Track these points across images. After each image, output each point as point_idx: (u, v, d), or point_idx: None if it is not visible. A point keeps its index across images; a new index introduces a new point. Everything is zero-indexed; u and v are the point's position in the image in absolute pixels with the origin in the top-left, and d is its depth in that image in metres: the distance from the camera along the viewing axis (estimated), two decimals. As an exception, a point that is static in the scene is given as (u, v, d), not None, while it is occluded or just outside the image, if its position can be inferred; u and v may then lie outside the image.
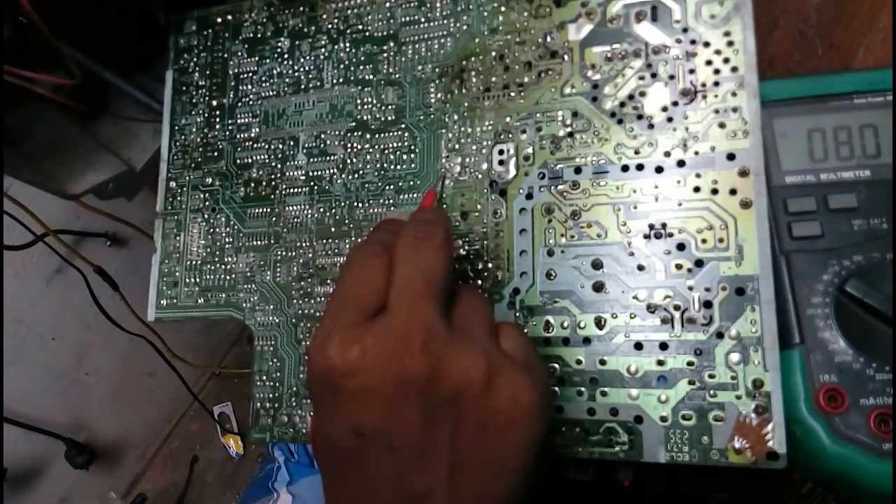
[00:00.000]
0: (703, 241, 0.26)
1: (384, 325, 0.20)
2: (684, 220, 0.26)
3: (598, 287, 0.27)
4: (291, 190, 0.33)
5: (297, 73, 0.34)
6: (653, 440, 0.25)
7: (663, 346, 0.26)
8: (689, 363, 0.25)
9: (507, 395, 0.19)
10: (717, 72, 0.26)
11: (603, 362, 0.26)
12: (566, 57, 0.29)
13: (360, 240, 0.31)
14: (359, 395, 0.19)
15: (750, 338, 0.25)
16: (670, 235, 0.26)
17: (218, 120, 0.35)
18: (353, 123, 0.32)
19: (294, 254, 0.32)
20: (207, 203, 0.35)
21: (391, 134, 0.32)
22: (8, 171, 0.33)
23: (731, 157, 0.26)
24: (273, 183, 0.33)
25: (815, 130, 0.28)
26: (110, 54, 0.35)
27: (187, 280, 0.34)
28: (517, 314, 0.28)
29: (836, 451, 0.24)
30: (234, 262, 0.33)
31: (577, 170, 0.28)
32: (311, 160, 0.33)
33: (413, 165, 0.31)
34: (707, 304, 0.25)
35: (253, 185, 0.34)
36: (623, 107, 0.28)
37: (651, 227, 0.26)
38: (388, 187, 0.31)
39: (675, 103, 0.27)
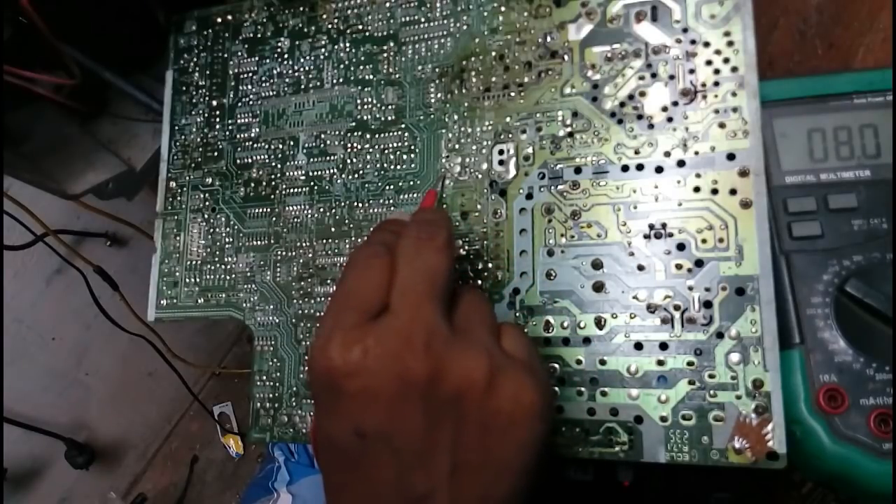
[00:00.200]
0: (703, 241, 0.26)
1: (386, 325, 0.20)
2: (684, 220, 0.26)
3: (598, 287, 0.27)
4: (291, 190, 0.33)
5: (297, 73, 0.34)
6: (653, 440, 0.25)
7: (663, 346, 0.26)
8: (689, 363, 0.25)
9: (508, 395, 0.19)
10: (717, 72, 0.26)
11: (603, 362, 0.26)
12: (566, 57, 0.29)
13: (360, 240, 0.31)
14: (360, 396, 0.19)
15: (750, 338, 0.25)
16: (670, 235, 0.26)
17: (218, 120, 0.35)
18: (353, 123, 0.32)
19: (294, 254, 0.32)
20: (207, 203, 0.35)
21: (391, 134, 0.32)
22: (8, 171, 0.33)
23: (731, 157, 0.26)
24: (273, 183, 0.33)
25: (815, 130, 0.28)
26: (110, 54, 0.35)
27: (187, 280, 0.34)
28: (517, 314, 0.28)
29: (836, 451, 0.24)
30: (234, 262, 0.33)
31: (577, 170, 0.28)
32: (311, 160, 0.33)
33: (413, 165, 0.31)
34: (707, 304, 0.25)
35: (253, 185, 0.34)
36: (623, 107, 0.28)
37: (651, 227, 0.26)
38: (388, 187, 0.31)
39: (675, 103, 0.27)
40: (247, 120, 0.35)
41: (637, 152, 0.27)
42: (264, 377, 0.32)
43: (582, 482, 0.29)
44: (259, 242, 0.33)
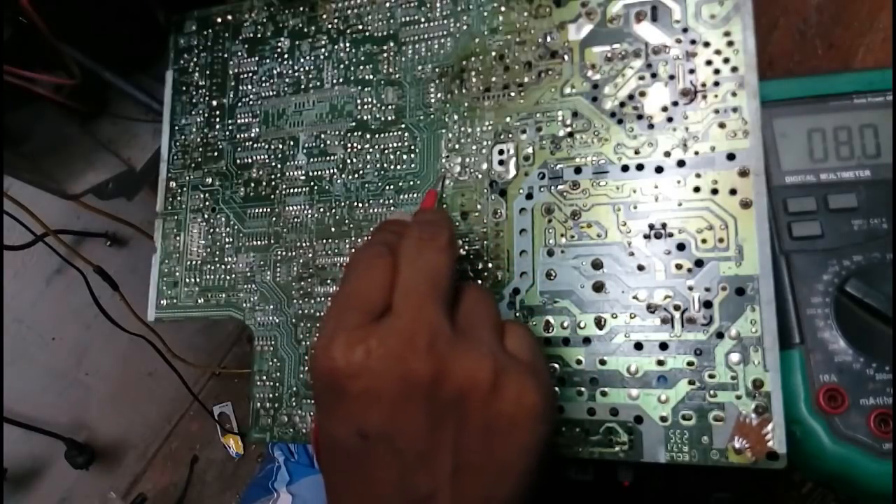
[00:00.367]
0: (703, 241, 0.26)
1: (389, 326, 0.20)
2: (684, 220, 0.26)
3: (598, 287, 0.27)
4: (291, 190, 0.33)
5: (297, 73, 0.34)
6: (653, 440, 0.25)
7: (663, 346, 0.26)
8: (689, 363, 0.25)
9: (511, 397, 0.19)
10: (717, 72, 0.26)
11: (603, 362, 0.26)
12: (566, 57, 0.29)
13: (360, 240, 0.31)
14: (363, 397, 0.19)
15: (750, 338, 0.25)
16: (670, 235, 0.26)
17: (218, 120, 0.35)
18: (353, 123, 0.32)
19: (294, 254, 0.32)
20: (207, 203, 0.35)
21: (391, 134, 0.32)
22: (8, 171, 0.33)
23: (731, 157, 0.26)
24: (273, 183, 0.33)
25: (815, 130, 0.28)
26: (110, 54, 0.35)
27: (187, 280, 0.34)
28: (517, 314, 0.28)
29: (836, 451, 0.24)
30: (234, 262, 0.33)
31: (577, 170, 0.28)
32: (311, 160, 0.33)
33: (413, 165, 0.31)
34: (707, 304, 0.25)
35: (253, 185, 0.34)
36: (623, 107, 0.28)
37: (651, 227, 0.26)
38: (388, 187, 0.31)
39: (675, 103, 0.27)
40: (247, 120, 0.35)
41: (637, 152, 0.27)
42: (264, 377, 0.32)
43: (582, 482, 0.29)
44: (259, 242, 0.33)
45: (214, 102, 0.35)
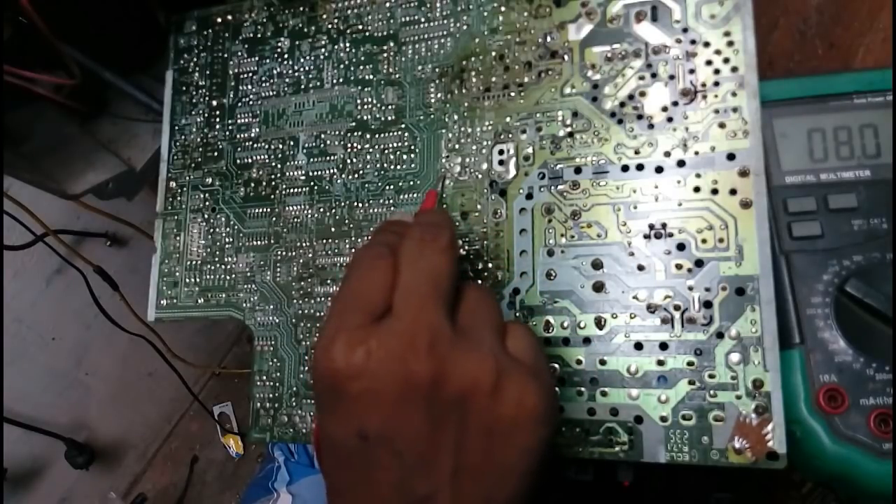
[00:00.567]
0: (703, 241, 0.26)
1: (389, 327, 0.20)
2: (684, 220, 0.26)
3: (598, 287, 0.27)
4: (291, 190, 0.33)
5: (297, 73, 0.34)
6: (653, 440, 0.25)
7: (663, 346, 0.26)
8: (690, 363, 0.25)
9: (513, 399, 0.19)
10: (717, 72, 0.26)
11: (603, 362, 0.26)
12: (566, 57, 0.29)
13: (360, 240, 0.31)
14: (363, 398, 0.19)
15: (750, 338, 0.25)
16: (670, 235, 0.26)
17: (218, 120, 0.35)
18: (353, 123, 0.32)
19: (294, 254, 0.32)
20: (207, 203, 0.35)
21: (391, 134, 0.32)
22: (8, 171, 0.33)
23: (731, 157, 0.26)
24: (273, 183, 0.33)
25: (815, 130, 0.28)
26: (110, 54, 0.35)
27: (187, 280, 0.34)
28: (517, 314, 0.28)
29: (836, 451, 0.24)
30: (234, 262, 0.33)
31: (577, 170, 0.28)
32: (311, 160, 0.33)
33: (413, 165, 0.31)
34: (707, 304, 0.25)
35: (253, 185, 0.34)
36: (623, 107, 0.28)
37: (651, 227, 0.26)
38: (388, 187, 0.31)
39: (675, 103, 0.27)
40: (247, 120, 0.35)
41: (637, 152, 0.27)
42: (264, 377, 0.32)
43: (582, 482, 0.29)
44: (259, 242, 0.33)
45: (214, 102, 0.35)
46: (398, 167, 0.31)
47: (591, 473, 0.29)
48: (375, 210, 0.31)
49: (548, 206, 0.28)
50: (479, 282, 0.29)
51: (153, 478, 0.89)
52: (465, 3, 0.31)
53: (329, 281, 0.31)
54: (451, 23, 0.31)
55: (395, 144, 0.31)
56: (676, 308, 0.26)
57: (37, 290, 0.68)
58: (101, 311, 0.60)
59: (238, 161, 0.34)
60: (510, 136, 0.29)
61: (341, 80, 0.33)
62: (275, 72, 0.34)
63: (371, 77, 0.32)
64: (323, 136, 0.33)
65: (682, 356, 0.25)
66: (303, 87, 0.34)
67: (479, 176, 0.30)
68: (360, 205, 0.31)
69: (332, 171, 0.32)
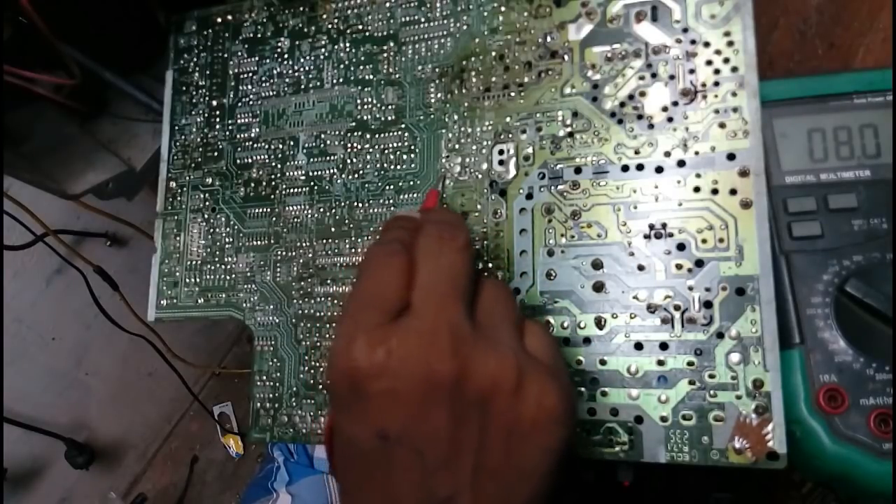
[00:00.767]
0: (704, 241, 0.26)
1: (410, 326, 0.20)
2: (684, 220, 0.26)
3: (598, 287, 0.27)
4: (291, 190, 0.33)
5: (297, 73, 0.34)
6: (653, 440, 0.25)
7: (663, 346, 0.26)
8: (690, 363, 0.25)
9: (533, 399, 0.19)
10: (717, 72, 0.26)
11: (603, 362, 0.26)
12: (566, 57, 0.29)
13: (360, 240, 0.31)
14: (384, 398, 0.19)
15: (750, 338, 0.25)
16: (670, 235, 0.26)
17: (218, 120, 0.35)
18: (353, 123, 0.32)
19: (294, 254, 0.32)
20: (207, 203, 0.35)
21: (391, 134, 0.32)
22: (8, 171, 0.33)
23: (731, 157, 0.26)
24: (273, 183, 0.33)
25: (815, 130, 0.28)
26: (110, 54, 0.35)
27: (187, 280, 0.34)
28: (517, 314, 0.28)
29: (836, 451, 0.24)
30: (234, 262, 0.33)
31: (577, 170, 0.28)
32: (311, 160, 0.33)
33: (413, 165, 0.31)
34: (707, 304, 0.25)
35: (253, 185, 0.34)
36: (623, 107, 0.28)
37: (651, 227, 0.26)
38: (388, 187, 0.31)
39: (676, 103, 0.27)
40: (247, 120, 0.35)
41: (637, 152, 0.27)
42: (264, 377, 0.32)
43: (582, 482, 0.29)
44: (259, 242, 0.33)
45: (214, 102, 0.35)
46: (398, 167, 0.31)
47: (591, 473, 0.29)
48: (375, 210, 0.31)
49: (548, 206, 0.28)
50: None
51: (153, 478, 0.89)
52: (465, 3, 0.31)
53: (329, 281, 0.31)
54: (451, 23, 0.31)
55: (395, 144, 0.31)
56: (676, 308, 0.26)
57: (37, 290, 0.68)
58: (101, 311, 0.60)
59: (238, 161, 0.35)
60: (510, 136, 0.29)
61: (341, 80, 0.33)
62: (275, 72, 0.34)
63: (371, 77, 0.32)
64: (323, 136, 0.33)
65: (682, 356, 0.25)
66: (303, 87, 0.34)
67: (479, 176, 0.30)
68: (360, 205, 0.31)
69: (332, 171, 0.32)
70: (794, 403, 0.25)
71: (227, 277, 0.33)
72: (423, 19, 0.32)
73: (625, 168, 0.27)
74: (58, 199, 0.36)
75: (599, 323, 0.26)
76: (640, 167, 0.27)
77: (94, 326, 0.73)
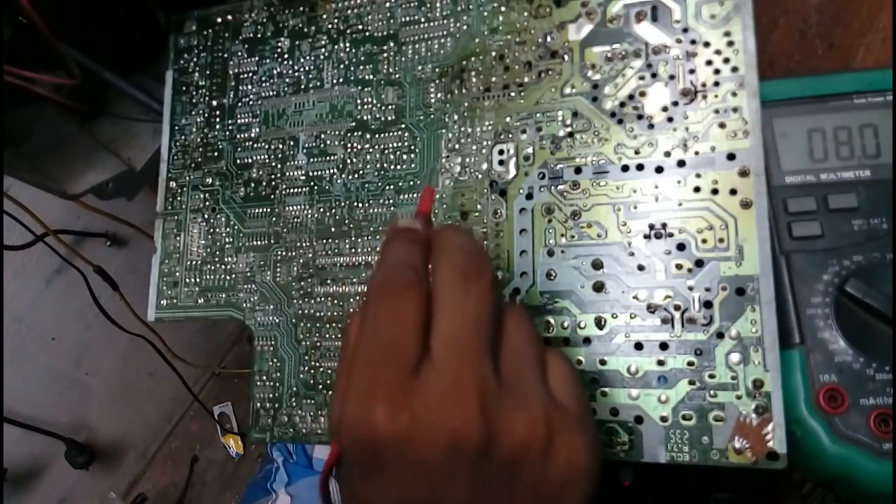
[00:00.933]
0: (704, 241, 0.26)
1: (432, 384, 0.18)
2: (684, 220, 0.26)
3: (598, 287, 0.27)
4: (291, 190, 0.33)
5: (297, 73, 0.34)
6: (653, 440, 0.25)
7: (663, 346, 0.26)
8: (690, 363, 0.25)
9: (563, 458, 0.18)
10: (717, 72, 0.26)
11: (603, 362, 0.26)
12: (566, 57, 0.29)
13: (360, 240, 0.31)
14: (406, 467, 0.18)
15: (750, 338, 0.25)
16: (670, 235, 0.26)
17: (218, 120, 0.35)
18: (353, 123, 0.32)
19: (294, 254, 0.32)
20: (207, 203, 0.35)
21: (391, 134, 0.32)
22: (8, 171, 0.33)
23: (731, 157, 0.26)
24: (273, 183, 0.33)
25: (815, 130, 0.28)
26: (110, 54, 0.35)
27: (187, 280, 0.34)
28: (517, 314, 0.28)
29: (836, 451, 0.24)
30: (234, 262, 0.33)
31: (577, 170, 0.28)
32: (311, 160, 0.33)
33: (413, 165, 0.31)
34: (707, 304, 0.25)
35: (253, 185, 0.34)
36: (623, 107, 0.28)
37: (651, 227, 0.26)
38: (388, 187, 0.31)
39: (676, 103, 0.27)
40: (247, 120, 0.35)
41: (637, 152, 0.27)
42: (264, 377, 0.32)
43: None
44: (259, 242, 0.33)
45: (214, 102, 0.36)
46: (398, 167, 0.31)
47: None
48: (375, 210, 0.31)
49: (548, 206, 0.28)
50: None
51: (153, 478, 0.89)
52: (465, 3, 0.31)
53: (329, 281, 0.31)
54: (451, 23, 0.31)
55: (395, 144, 0.31)
56: (676, 308, 0.26)
57: (37, 290, 0.68)
58: (101, 311, 0.60)
59: (238, 161, 0.35)
60: (510, 136, 0.29)
61: (341, 80, 0.33)
62: (275, 72, 0.34)
63: (371, 77, 0.32)
64: (323, 136, 0.33)
65: (682, 356, 0.25)
66: (303, 87, 0.34)
67: (479, 176, 0.30)
68: (360, 205, 0.31)
69: (332, 171, 0.32)
70: (794, 403, 0.25)
71: (227, 277, 0.33)
72: (423, 19, 0.32)
73: (625, 168, 0.27)
74: (58, 199, 0.36)
75: (599, 323, 0.26)
76: (640, 167, 0.27)
77: (94, 326, 0.73)
